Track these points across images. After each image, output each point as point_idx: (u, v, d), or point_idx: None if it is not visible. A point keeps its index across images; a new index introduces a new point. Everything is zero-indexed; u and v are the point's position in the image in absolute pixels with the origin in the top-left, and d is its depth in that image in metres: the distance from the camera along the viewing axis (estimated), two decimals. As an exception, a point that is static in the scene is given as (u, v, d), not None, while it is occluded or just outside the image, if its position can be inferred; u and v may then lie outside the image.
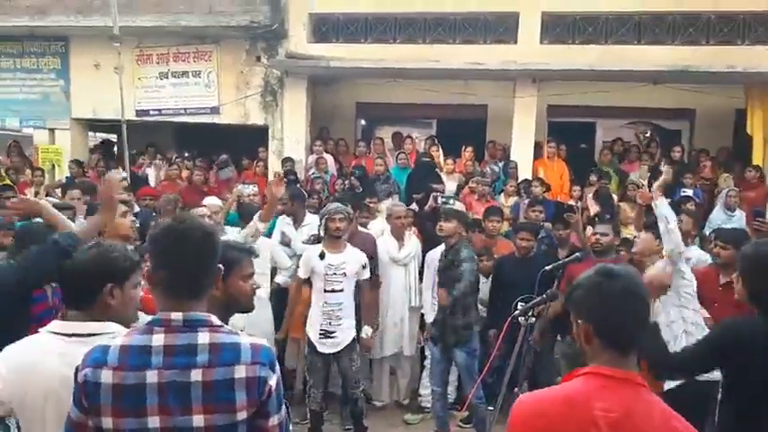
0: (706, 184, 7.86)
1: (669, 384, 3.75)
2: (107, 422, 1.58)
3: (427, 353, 5.46)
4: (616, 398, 1.56)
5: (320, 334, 4.58)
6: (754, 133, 8.18)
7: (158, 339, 1.60)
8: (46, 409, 1.88)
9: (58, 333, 1.93)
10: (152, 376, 1.57)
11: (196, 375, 1.59)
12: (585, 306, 1.66)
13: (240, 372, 1.62)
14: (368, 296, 4.83)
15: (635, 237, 5.44)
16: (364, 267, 4.69)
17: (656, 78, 8.20)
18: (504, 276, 4.96)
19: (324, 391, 4.74)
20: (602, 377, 1.59)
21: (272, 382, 1.68)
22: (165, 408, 1.58)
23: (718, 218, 7.18)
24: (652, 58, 7.94)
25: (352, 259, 4.63)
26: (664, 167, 5.15)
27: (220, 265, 1.76)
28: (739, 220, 6.92)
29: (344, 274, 4.57)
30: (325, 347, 4.60)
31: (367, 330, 4.78)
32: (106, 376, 1.58)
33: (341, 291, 4.58)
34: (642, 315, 1.65)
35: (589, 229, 5.60)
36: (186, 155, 9.34)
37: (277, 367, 1.71)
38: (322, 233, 4.69)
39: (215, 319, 1.68)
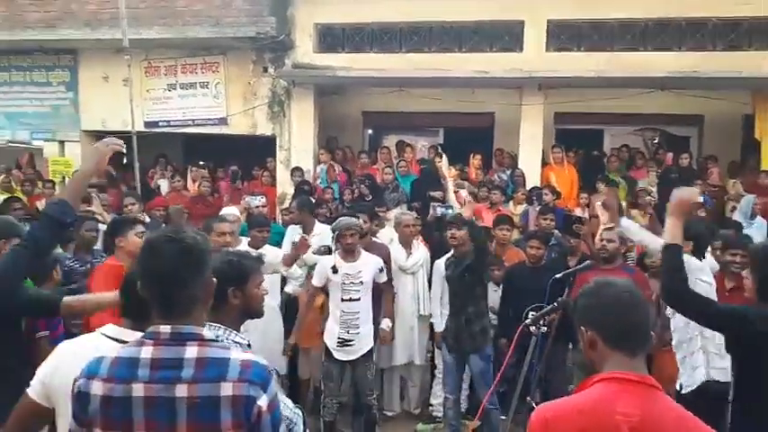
0: (714, 190, 7.82)
1: (685, 388, 3.75)
2: None
3: (437, 361, 5.45)
4: (635, 401, 1.58)
5: (338, 342, 4.59)
6: (763, 138, 8.15)
7: (147, 352, 1.58)
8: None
9: (109, 337, 1.95)
10: (138, 390, 1.55)
11: (181, 391, 1.54)
12: (585, 313, 1.73)
13: (226, 389, 1.54)
14: (389, 294, 4.89)
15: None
16: (381, 271, 4.71)
17: (663, 84, 8.19)
18: (515, 285, 4.95)
19: (338, 401, 4.73)
20: (618, 381, 1.61)
21: (263, 402, 1.57)
22: (151, 423, 1.55)
23: (737, 225, 7.11)
24: (659, 64, 7.93)
25: (367, 266, 4.64)
26: (604, 190, 5.30)
27: (214, 278, 1.71)
28: (760, 227, 6.83)
29: (361, 283, 4.58)
30: (343, 355, 4.60)
31: (387, 322, 4.79)
32: (96, 387, 1.57)
33: (358, 300, 4.59)
34: (641, 318, 1.69)
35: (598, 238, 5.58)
36: (201, 163, 9.34)
37: (272, 387, 1.62)
38: (335, 246, 4.70)
39: (207, 333, 1.64)
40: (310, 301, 4.87)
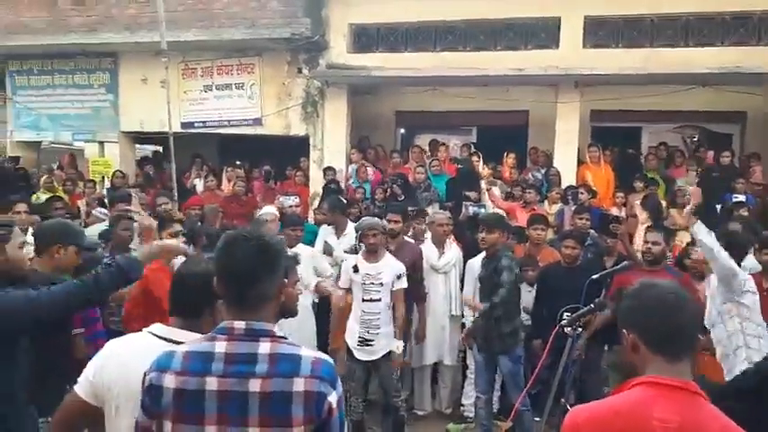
0: (758, 189, 7.58)
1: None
2: (167, 427, 1.60)
3: (469, 361, 5.41)
4: (674, 407, 1.52)
5: (358, 342, 4.61)
6: (810, 135, 7.87)
7: (221, 347, 1.61)
8: (120, 406, 1.90)
9: (158, 336, 1.96)
10: (212, 383, 1.58)
11: (254, 386, 1.57)
12: (628, 316, 1.68)
13: (298, 385, 1.58)
14: (400, 308, 4.66)
15: (687, 245, 5.29)
16: (399, 278, 4.62)
17: (704, 81, 7.97)
18: (550, 285, 4.88)
19: (364, 400, 4.74)
20: (657, 386, 1.56)
21: (333, 399, 1.61)
22: (223, 417, 1.57)
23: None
24: (700, 60, 7.72)
25: (388, 269, 4.63)
26: (690, 190, 4.97)
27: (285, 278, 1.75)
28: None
29: (381, 284, 4.58)
30: (364, 354, 4.61)
31: (399, 345, 4.61)
32: (169, 381, 1.60)
33: (378, 300, 4.59)
34: (686, 321, 1.63)
35: (637, 237, 5.47)
36: (238, 163, 9.48)
37: (339, 384, 1.65)
38: (359, 245, 4.72)
39: (278, 330, 1.67)
40: (339, 302, 4.89)
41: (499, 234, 4.66)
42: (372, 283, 4.57)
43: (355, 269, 4.61)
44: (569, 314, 4.93)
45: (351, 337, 4.65)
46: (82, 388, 1.95)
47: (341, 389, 1.66)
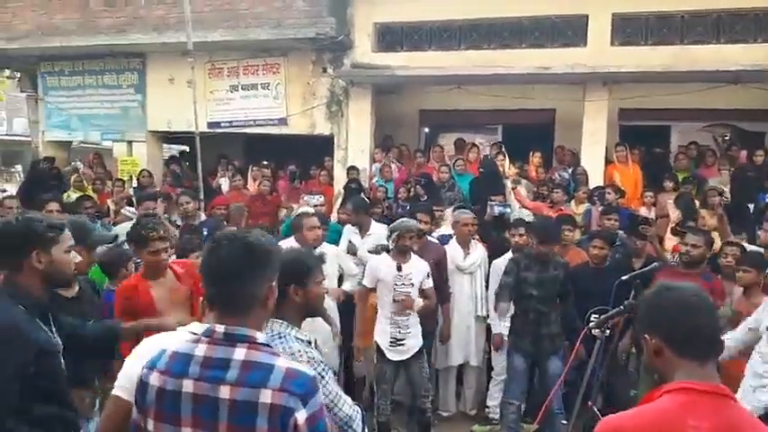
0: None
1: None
2: (150, 424, 1.63)
3: (494, 363, 5.37)
4: (708, 413, 1.49)
5: (390, 342, 4.60)
6: None
7: (200, 350, 1.61)
8: None
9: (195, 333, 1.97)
10: (188, 386, 1.58)
11: (224, 392, 1.55)
12: (648, 319, 1.64)
13: (265, 396, 1.52)
14: (431, 304, 4.75)
15: (723, 245, 5.19)
16: (428, 276, 4.69)
17: (736, 78, 7.79)
18: (578, 286, 4.80)
19: (392, 401, 4.73)
20: (689, 392, 1.52)
21: (301, 416, 1.52)
22: (197, 420, 1.57)
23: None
24: (732, 57, 7.55)
25: (417, 269, 4.64)
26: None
27: (273, 283, 1.69)
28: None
29: (412, 284, 4.58)
30: (396, 354, 4.61)
31: (418, 302, 4.60)
32: (154, 378, 1.62)
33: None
34: (709, 322, 1.60)
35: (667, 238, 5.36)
36: (265, 163, 9.54)
37: (316, 401, 1.57)
38: (391, 245, 4.69)
39: (260, 337, 1.64)
40: (363, 301, 4.88)
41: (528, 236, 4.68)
42: (404, 284, 4.57)
43: (399, 268, 4.58)
44: (597, 316, 4.90)
45: (382, 338, 4.64)
46: (122, 389, 1.93)
47: (316, 404, 1.58)
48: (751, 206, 6.84)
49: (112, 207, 7.83)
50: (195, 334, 1.93)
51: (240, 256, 1.63)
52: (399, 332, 4.58)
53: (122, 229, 5.61)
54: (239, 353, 1.58)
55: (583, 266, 5.08)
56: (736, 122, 9.54)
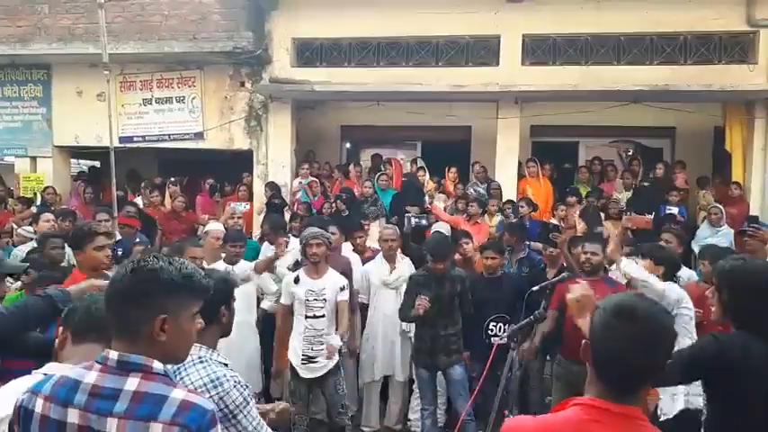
0: (682, 194, 7.97)
1: (663, 416, 3.74)
2: None
3: (415, 377, 5.41)
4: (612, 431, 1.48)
5: (302, 359, 4.55)
6: (733, 150, 8.32)
7: (91, 377, 1.50)
8: None
9: None
10: (73, 415, 1.48)
11: (111, 425, 1.45)
12: (592, 332, 1.61)
13: (155, 430, 1.43)
14: (344, 320, 4.69)
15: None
16: (342, 290, 4.66)
17: (636, 97, 8.31)
18: (473, 296, 4.91)
19: (309, 418, 4.67)
20: (594, 410, 1.51)
21: None
22: None
23: (704, 234, 7.27)
24: (632, 77, 8.05)
25: (331, 284, 4.61)
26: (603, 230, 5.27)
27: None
28: (725, 234, 6.98)
29: (325, 300, 4.55)
30: (308, 372, 4.56)
31: (337, 339, 4.59)
32: (38, 405, 1.52)
33: (322, 316, 4.56)
34: (644, 361, 1.51)
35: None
36: (172, 179, 9.25)
37: None
38: (301, 258, 4.67)
39: (157, 366, 1.52)
40: (284, 320, 4.81)
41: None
42: (316, 300, 4.53)
43: (296, 280, 4.55)
44: (495, 323, 5.10)
45: (294, 356, 4.59)
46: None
47: None
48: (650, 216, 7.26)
49: (15, 227, 7.34)
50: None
51: (123, 284, 1.55)
52: (312, 349, 4.54)
53: (22, 249, 5.30)
54: (131, 383, 1.48)
55: (477, 277, 5.26)
56: (636, 139, 10.18)
